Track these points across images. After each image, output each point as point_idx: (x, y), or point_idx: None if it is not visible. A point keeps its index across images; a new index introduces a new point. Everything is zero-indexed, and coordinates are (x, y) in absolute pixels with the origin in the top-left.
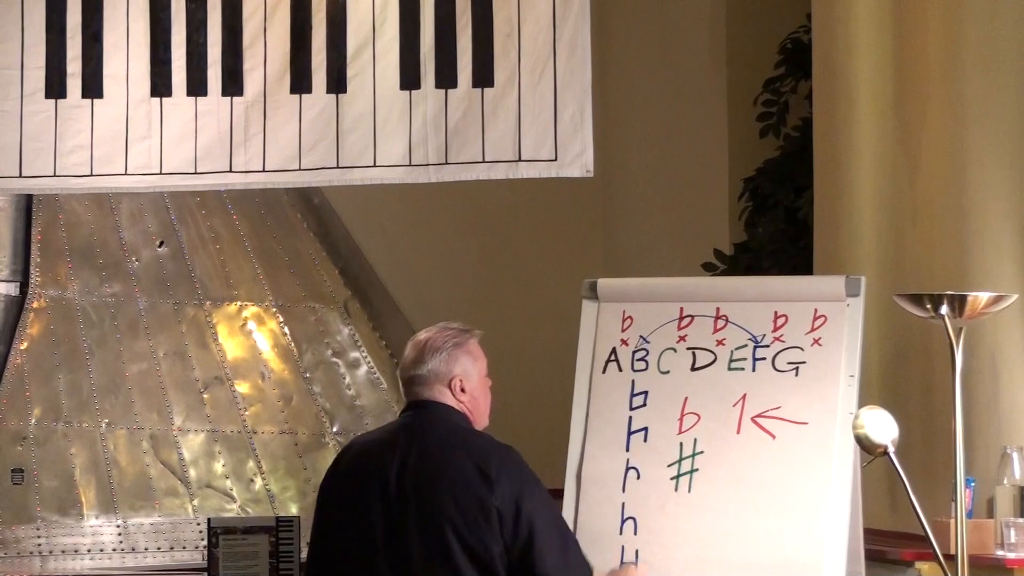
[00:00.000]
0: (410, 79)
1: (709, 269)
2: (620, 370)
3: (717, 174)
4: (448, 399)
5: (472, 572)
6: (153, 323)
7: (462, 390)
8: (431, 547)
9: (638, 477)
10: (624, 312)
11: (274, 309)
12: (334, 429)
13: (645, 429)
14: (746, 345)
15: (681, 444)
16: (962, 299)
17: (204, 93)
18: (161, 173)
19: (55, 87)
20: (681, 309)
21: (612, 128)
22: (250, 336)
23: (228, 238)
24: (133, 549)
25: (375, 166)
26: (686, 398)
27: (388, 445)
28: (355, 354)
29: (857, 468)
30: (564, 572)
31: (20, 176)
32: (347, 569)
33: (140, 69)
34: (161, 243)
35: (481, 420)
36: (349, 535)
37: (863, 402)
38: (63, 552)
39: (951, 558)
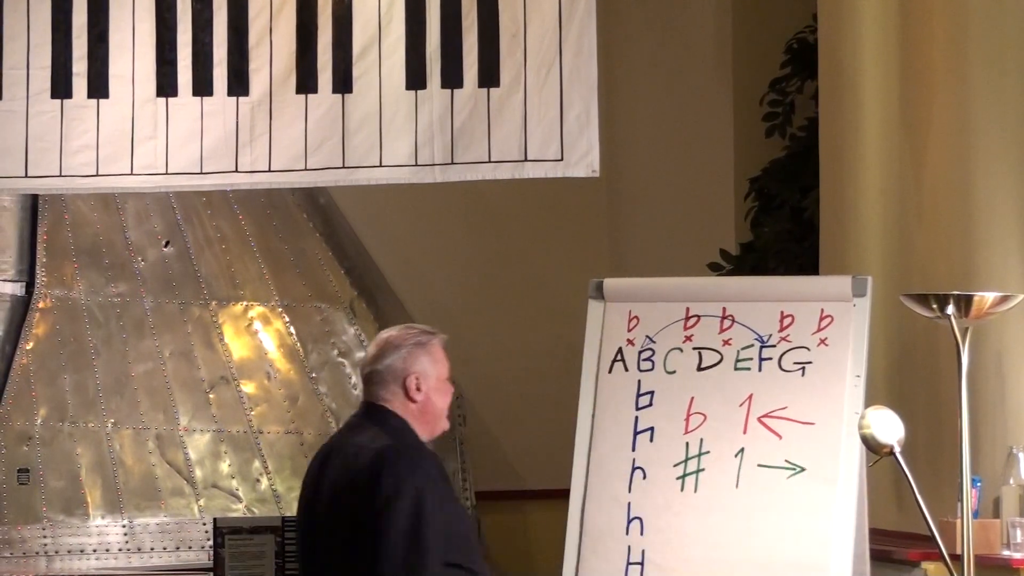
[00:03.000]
0: (416, 79)
1: (715, 269)
2: (626, 370)
3: (723, 174)
4: (398, 400)
5: None
6: (159, 323)
7: (417, 388)
8: (340, 553)
9: (644, 477)
10: (630, 312)
11: (280, 309)
12: None
13: (651, 429)
14: (752, 345)
15: (687, 444)
16: (968, 299)
17: (210, 93)
18: (167, 173)
19: (61, 87)
20: (687, 309)
21: (618, 128)
22: (256, 336)
23: (234, 238)
24: (139, 549)
25: (381, 166)
26: (692, 398)
27: (327, 448)
28: (361, 354)
29: (863, 468)
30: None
31: (26, 176)
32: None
33: (146, 69)
34: (167, 243)
35: (436, 421)
36: (304, 533)
37: (869, 402)
38: (69, 552)
39: (957, 558)
